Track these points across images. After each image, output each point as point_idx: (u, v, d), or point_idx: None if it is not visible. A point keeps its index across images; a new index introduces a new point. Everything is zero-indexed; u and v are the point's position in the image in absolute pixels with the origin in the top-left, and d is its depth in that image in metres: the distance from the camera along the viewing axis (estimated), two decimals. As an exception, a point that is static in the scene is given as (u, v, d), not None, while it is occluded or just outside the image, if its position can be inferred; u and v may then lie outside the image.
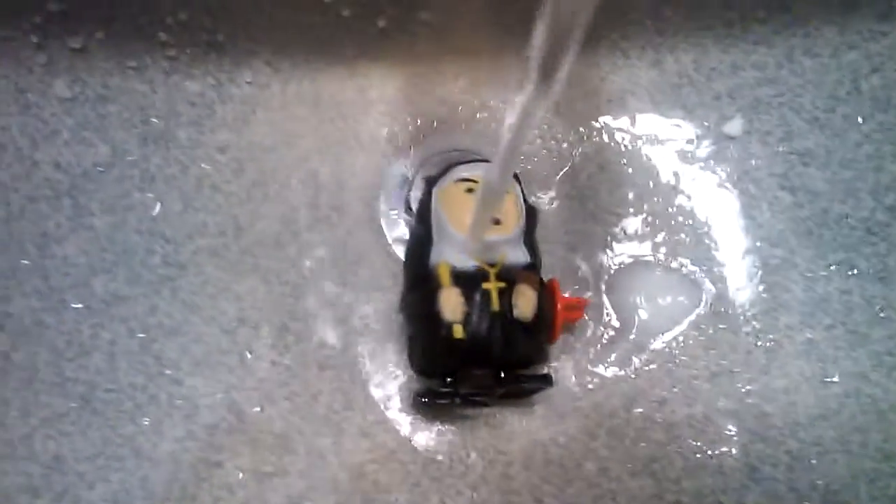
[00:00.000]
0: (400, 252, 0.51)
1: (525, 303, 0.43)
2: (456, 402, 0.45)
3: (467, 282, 0.44)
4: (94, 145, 0.50)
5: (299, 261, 0.51)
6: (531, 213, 0.48)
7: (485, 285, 0.43)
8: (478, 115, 0.54)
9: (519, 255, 0.46)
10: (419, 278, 0.46)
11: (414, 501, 0.46)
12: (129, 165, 0.50)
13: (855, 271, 0.51)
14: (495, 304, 0.43)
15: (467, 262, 0.44)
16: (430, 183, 0.49)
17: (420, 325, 0.46)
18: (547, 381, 0.46)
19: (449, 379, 0.45)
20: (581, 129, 0.54)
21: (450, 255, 0.45)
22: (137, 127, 0.51)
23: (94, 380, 0.46)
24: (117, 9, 0.48)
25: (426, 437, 0.48)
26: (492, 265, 0.44)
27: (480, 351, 0.43)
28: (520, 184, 0.49)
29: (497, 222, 0.45)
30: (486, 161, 0.49)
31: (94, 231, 0.49)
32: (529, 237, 0.48)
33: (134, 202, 0.50)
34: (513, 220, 0.46)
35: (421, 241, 0.47)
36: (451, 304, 0.43)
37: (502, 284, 0.44)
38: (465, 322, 0.43)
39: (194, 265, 0.50)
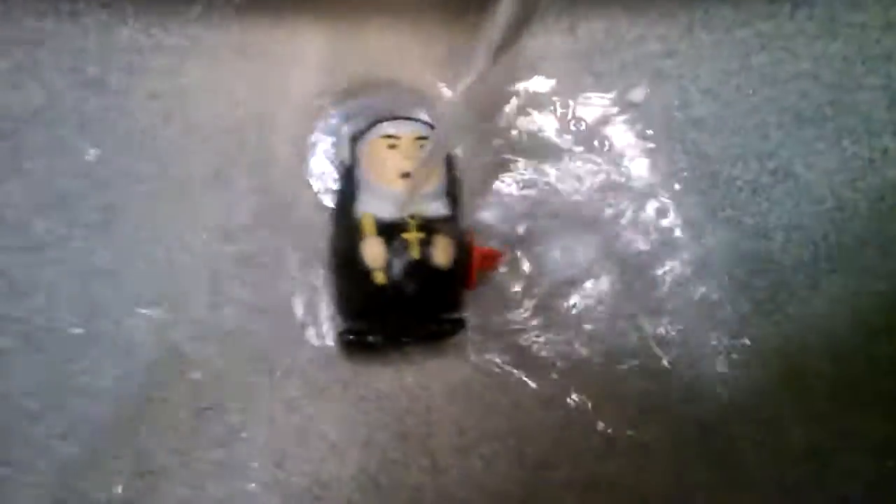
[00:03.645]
0: (328, 201, 0.52)
1: (442, 251, 0.46)
2: (379, 342, 0.48)
3: (389, 232, 0.46)
4: (29, 89, 0.50)
5: (230, 208, 0.52)
6: (452, 168, 0.51)
7: (405, 235, 0.46)
8: (400, 72, 0.56)
9: (440, 208, 0.48)
10: (344, 228, 0.49)
11: (343, 433, 0.48)
12: (65, 110, 0.50)
13: (741, 226, 0.55)
14: (415, 253, 0.46)
15: (390, 214, 0.47)
16: (356, 137, 0.51)
17: (345, 271, 0.48)
18: (460, 324, 0.49)
19: (372, 321, 0.48)
20: (498, 92, 0.56)
21: (374, 206, 0.47)
22: (72, 72, 0.51)
23: (35, 319, 0.47)
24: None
25: (354, 374, 0.49)
26: (413, 216, 0.47)
27: (400, 295, 0.46)
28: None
29: (421, 176, 0.47)
30: (409, 119, 0.51)
31: (31, 176, 0.49)
32: (451, 190, 0.50)
33: (69, 147, 0.50)
34: (435, 174, 0.48)
35: (346, 193, 0.50)
36: (373, 252, 0.46)
37: (422, 234, 0.46)
38: (386, 268, 0.46)
39: (129, 210, 0.50)
